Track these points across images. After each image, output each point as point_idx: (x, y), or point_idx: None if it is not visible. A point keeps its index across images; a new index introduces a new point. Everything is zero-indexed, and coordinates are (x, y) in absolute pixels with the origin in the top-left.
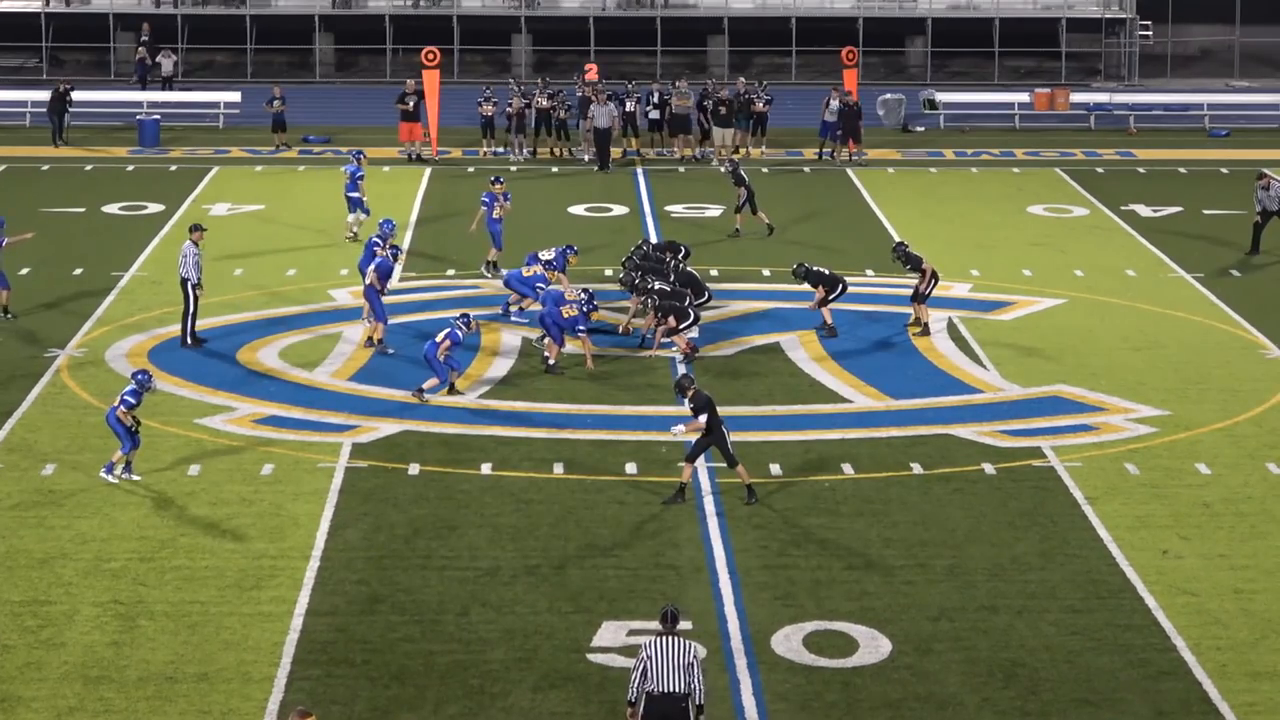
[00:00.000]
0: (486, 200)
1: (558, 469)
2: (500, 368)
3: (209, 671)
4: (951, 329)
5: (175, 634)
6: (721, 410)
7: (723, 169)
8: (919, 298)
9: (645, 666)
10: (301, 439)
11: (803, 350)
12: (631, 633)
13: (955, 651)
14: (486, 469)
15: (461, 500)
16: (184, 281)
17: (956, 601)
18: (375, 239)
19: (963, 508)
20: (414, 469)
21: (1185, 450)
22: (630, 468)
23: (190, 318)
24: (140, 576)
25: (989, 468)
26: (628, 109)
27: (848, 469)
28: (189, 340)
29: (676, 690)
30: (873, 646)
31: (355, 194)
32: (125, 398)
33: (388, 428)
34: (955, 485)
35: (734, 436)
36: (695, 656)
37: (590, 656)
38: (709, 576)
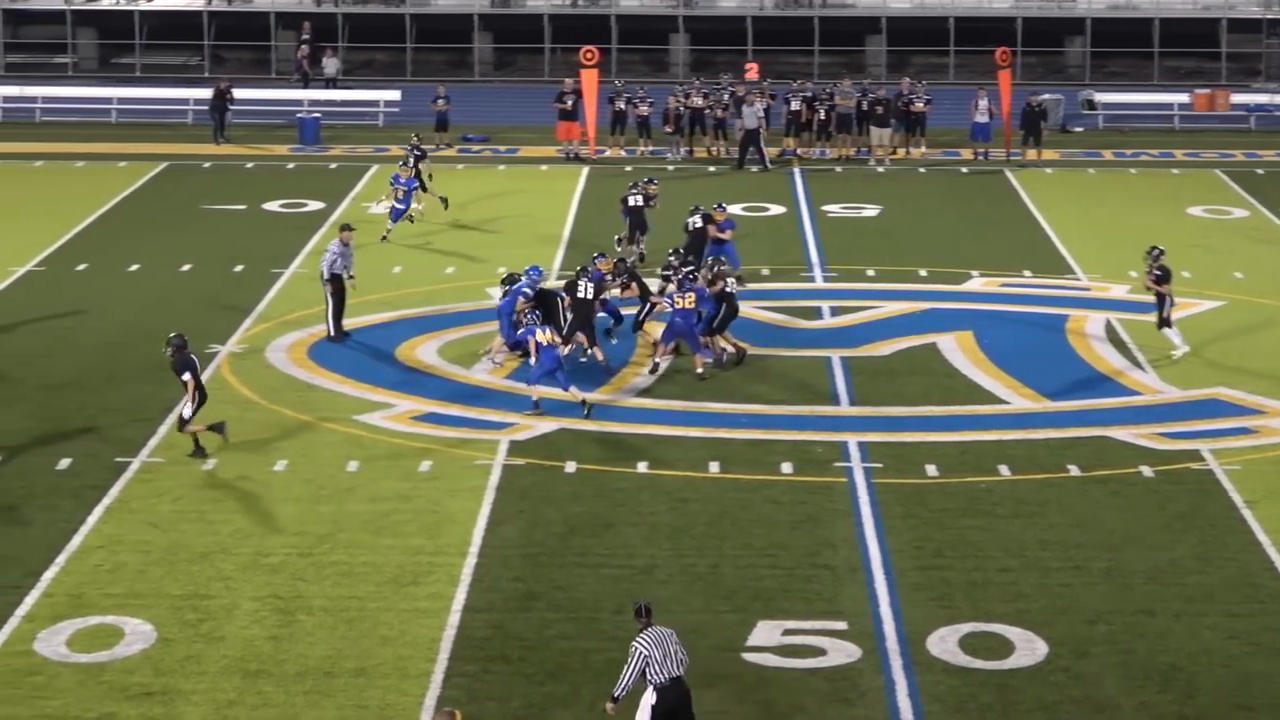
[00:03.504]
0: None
1: (713, 468)
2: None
3: (366, 666)
4: (1109, 331)
5: (333, 629)
6: (875, 410)
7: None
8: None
9: (650, 662)
10: (459, 436)
11: (959, 351)
12: (786, 632)
13: (1112, 654)
14: (643, 467)
15: (617, 498)
16: (322, 277)
17: (1113, 604)
18: (525, 287)
19: (1120, 510)
20: (571, 467)
21: None
22: (786, 467)
23: (335, 314)
24: (299, 572)
25: (1146, 470)
26: (793, 108)
27: (1004, 470)
28: (333, 334)
29: (678, 673)
30: (1029, 649)
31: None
32: None
33: (544, 426)
34: (1112, 487)
35: (889, 437)
36: (678, 638)
37: (745, 656)
38: (864, 577)
